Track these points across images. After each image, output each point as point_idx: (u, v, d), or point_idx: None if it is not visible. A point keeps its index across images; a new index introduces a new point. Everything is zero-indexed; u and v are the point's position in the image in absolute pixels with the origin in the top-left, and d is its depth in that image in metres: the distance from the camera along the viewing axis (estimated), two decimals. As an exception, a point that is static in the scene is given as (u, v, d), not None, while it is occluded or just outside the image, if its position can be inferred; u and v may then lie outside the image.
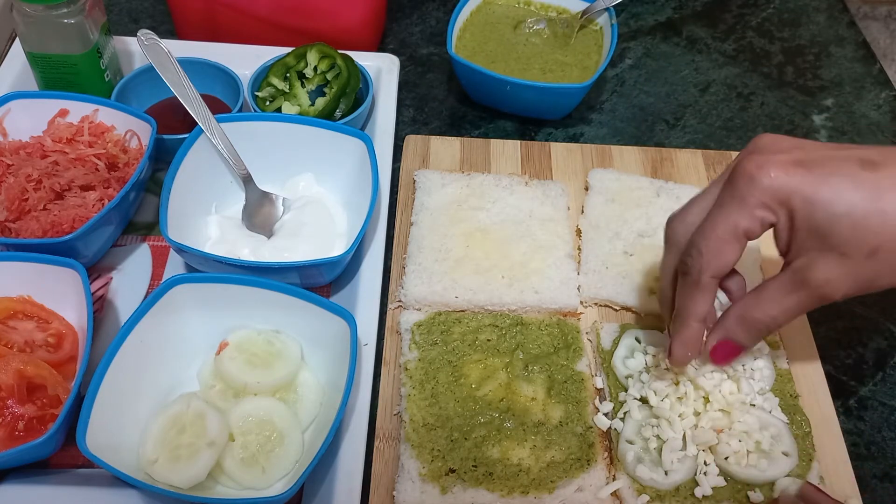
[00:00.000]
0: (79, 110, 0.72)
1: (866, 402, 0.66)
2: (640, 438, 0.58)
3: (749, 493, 0.56)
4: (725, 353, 0.56)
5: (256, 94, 0.77)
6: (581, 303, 0.69)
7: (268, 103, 0.77)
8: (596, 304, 0.69)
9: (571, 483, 0.57)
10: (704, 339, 0.56)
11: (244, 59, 0.79)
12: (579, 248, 0.72)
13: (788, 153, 0.50)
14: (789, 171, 0.49)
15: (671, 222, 0.57)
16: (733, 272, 0.56)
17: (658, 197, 0.75)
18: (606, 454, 0.59)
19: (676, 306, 0.56)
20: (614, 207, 0.74)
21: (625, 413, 0.60)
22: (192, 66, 0.76)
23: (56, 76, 0.73)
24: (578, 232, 0.73)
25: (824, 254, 0.49)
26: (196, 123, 0.68)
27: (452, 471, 0.57)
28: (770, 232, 0.52)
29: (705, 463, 0.57)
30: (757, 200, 0.49)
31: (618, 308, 0.69)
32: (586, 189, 0.76)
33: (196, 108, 0.69)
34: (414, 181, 0.76)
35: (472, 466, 0.57)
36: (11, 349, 0.59)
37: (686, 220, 0.55)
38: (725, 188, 0.52)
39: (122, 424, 0.55)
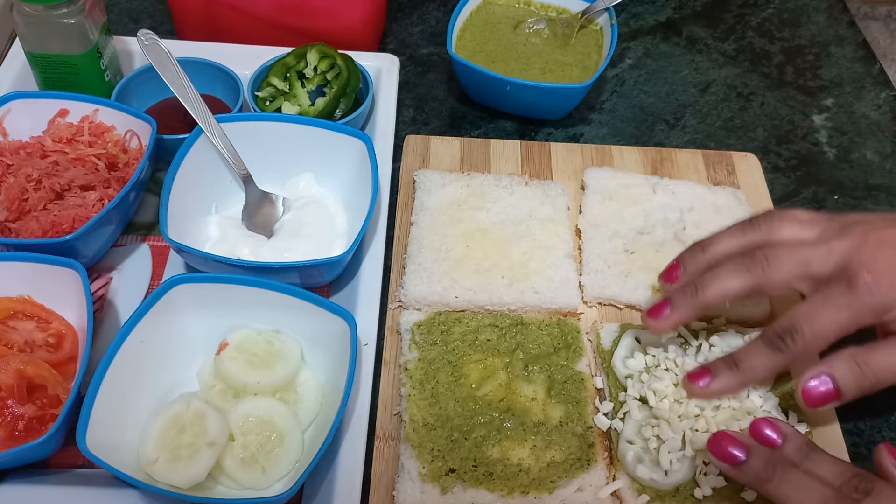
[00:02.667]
0: (79, 110, 0.72)
1: (866, 402, 0.65)
2: (640, 438, 0.58)
3: (742, 494, 0.56)
4: (822, 397, 0.56)
5: (256, 94, 0.77)
6: (585, 302, 0.69)
7: (268, 103, 0.77)
8: (600, 303, 0.69)
9: (571, 483, 0.57)
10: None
11: (244, 59, 0.79)
12: (580, 248, 0.72)
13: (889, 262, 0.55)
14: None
15: (760, 218, 0.61)
16: None
17: (654, 193, 0.75)
18: (606, 454, 0.59)
19: (742, 357, 0.58)
20: (612, 206, 0.74)
21: (625, 413, 0.60)
22: (192, 66, 0.76)
23: (56, 76, 0.73)
24: (578, 232, 0.73)
25: None
26: (196, 123, 0.68)
27: (452, 471, 0.57)
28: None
29: (704, 463, 0.57)
30: (870, 311, 0.55)
31: (622, 306, 0.69)
32: (582, 188, 0.76)
33: (196, 108, 0.69)
34: (414, 181, 0.76)
35: (472, 466, 0.57)
36: (11, 349, 0.59)
37: (778, 230, 0.60)
38: (841, 287, 0.55)
39: (122, 424, 0.55)
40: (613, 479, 0.57)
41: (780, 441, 0.53)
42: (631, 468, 0.57)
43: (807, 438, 0.54)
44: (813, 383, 0.56)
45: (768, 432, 0.54)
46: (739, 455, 0.53)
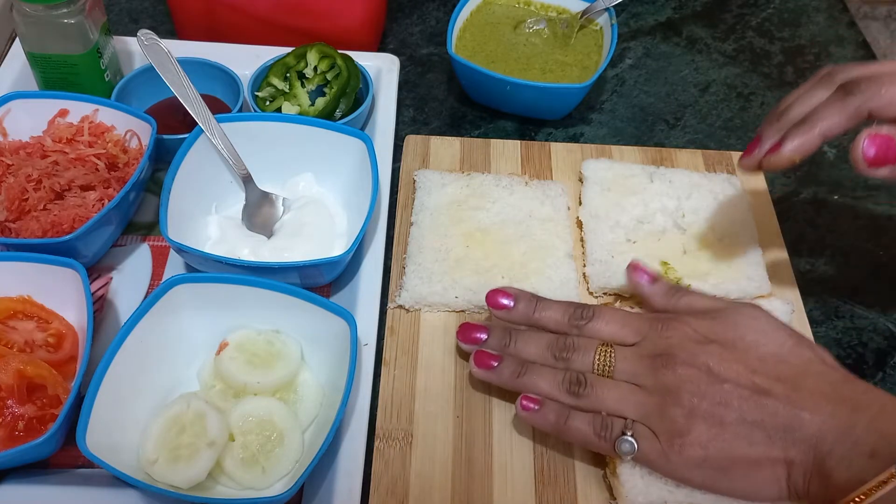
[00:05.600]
0: (79, 110, 0.72)
1: (866, 402, 0.66)
2: None
3: None
4: (882, 154, 0.54)
5: (256, 94, 0.77)
6: (590, 293, 0.69)
7: (268, 103, 0.77)
8: (605, 293, 0.69)
9: None
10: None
11: (244, 59, 0.79)
12: (582, 240, 0.72)
13: None
14: None
15: (839, 66, 0.59)
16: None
17: (652, 182, 0.76)
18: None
19: (810, 120, 0.56)
20: (611, 196, 0.74)
21: None
22: (192, 66, 0.76)
23: (56, 76, 0.73)
24: (579, 223, 0.73)
25: None
26: (196, 123, 0.68)
27: None
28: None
29: None
30: None
31: (627, 296, 0.69)
32: (581, 181, 0.76)
33: (196, 108, 0.69)
34: (414, 181, 0.76)
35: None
36: (11, 349, 0.59)
37: (869, 67, 0.57)
38: None
39: (122, 424, 0.55)
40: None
41: (511, 303, 0.60)
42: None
43: (534, 294, 0.60)
44: (873, 141, 0.54)
45: (502, 300, 0.60)
46: (481, 335, 0.60)
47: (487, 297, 0.60)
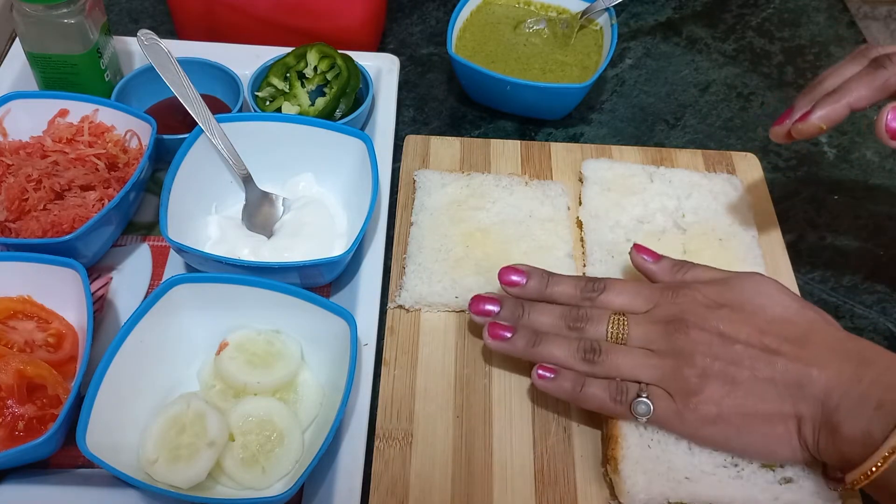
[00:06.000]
0: (79, 110, 0.72)
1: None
2: None
3: None
4: None
5: (256, 94, 0.77)
6: None
7: (268, 103, 0.77)
8: None
9: None
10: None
11: (244, 59, 0.79)
12: (582, 240, 0.72)
13: None
14: None
15: (875, 45, 0.60)
16: None
17: (652, 182, 0.76)
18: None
19: (839, 91, 0.58)
20: (611, 196, 0.74)
21: None
22: (192, 66, 0.76)
23: (56, 76, 0.73)
24: (580, 223, 0.73)
25: None
26: (196, 123, 0.68)
27: None
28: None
29: None
30: None
31: None
32: (581, 181, 0.76)
33: (196, 108, 0.69)
34: (414, 181, 0.76)
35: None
36: (11, 349, 0.59)
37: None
38: None
39: (122, 424, 0.55)
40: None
41: (524, 280, 0.60)
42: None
43: (546, 270, 0.61)
44: (895, 113, 0.56)
45: (513, 277, 0.61)
46: (493, 308, 0.60)
47: (500, 273, 0.61)
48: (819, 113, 0.59)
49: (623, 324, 0.58)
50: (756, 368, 0.53)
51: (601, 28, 0.87)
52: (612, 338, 0.58)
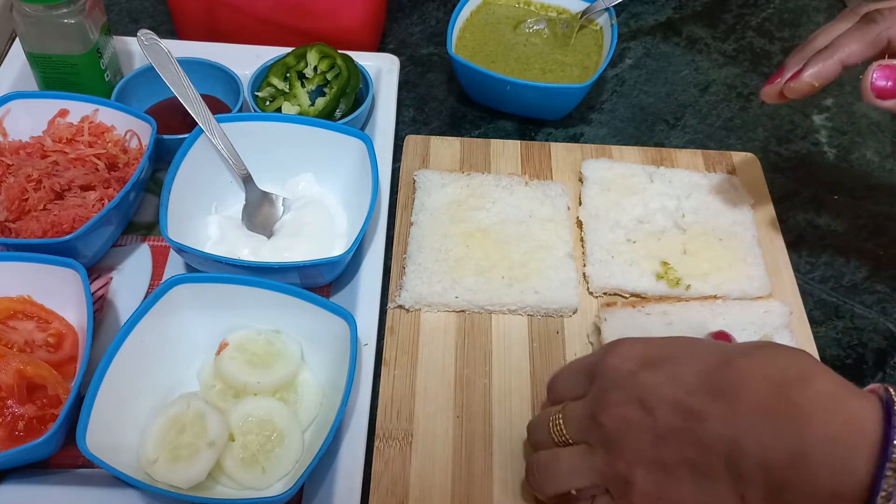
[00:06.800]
0: (79, 110, 0.72)
1: (866, 402, 0.66)
2: None
3: None
4: (891, 77, 0.54)
5: (256, 94, 0.77)
6: (590, 293, 0.69)
7: (268, 103, 0.77)
8: (605, 293, 0.69)
9: None
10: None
11: (244, 59, 0.79)
12: (582, 240, 0.72)
13: None
14: None
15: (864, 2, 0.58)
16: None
17: (652, 182, 0.76)
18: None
19: (830, 47, 0.57)
20: (611, 196, 0.74)
21: None
22: (192, 66, 0.76)
23: (56, 76, 0.73)
24: (580, 223, 0.73)
25: None
26: (196, 123, 0.68)
27: None
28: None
29: None
30: None
31: (627, 295, 0.69)
32: (581, 181, 0.76)
33: (196, 108, 0.69)
34: (414, 181, 0.76)
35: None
36: (11, 349, 0.59)
37: (885, 3, 0.57)
38: None
39: (122, 424, 0.55)
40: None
41: None
42: None
43: None
44: (883, 72, 0.54)
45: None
46: None
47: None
48: (811, 70, 0.57)
49: (558, 423, 0.50)
50: (683, 447, 0.44)
51: (601, 28, 0.87)
52: (557, 441, 0.51)
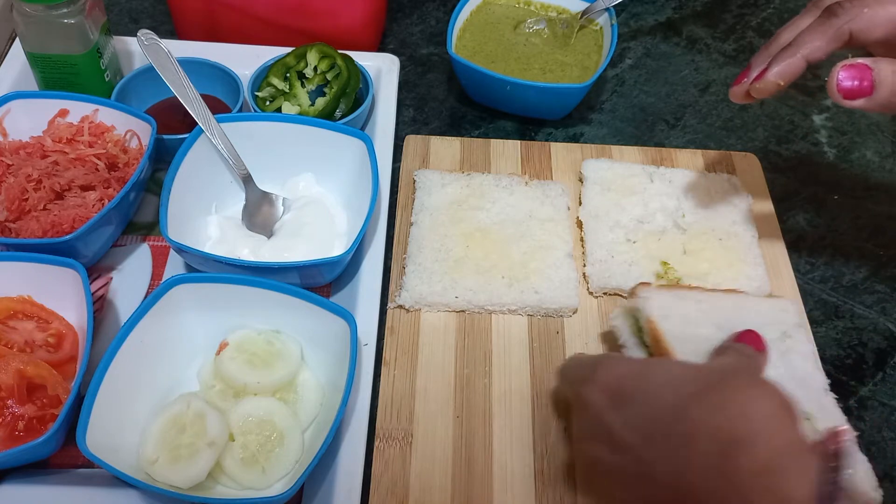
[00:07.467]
0: (79, 110, 0.72)
1: (866, 402, 0.66)
2: None
3: None
4: (856, 87, 0.54)
5: (256, 94, 0.77)
6: (590, 293, 0.69)
7: (268, 103, 0.77)
8: (605, 293, 0.69)
9: None
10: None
11: (244, 59, 0.79)
12: (582, 240, 0.72)
13: None
14: None
15: None
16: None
17: (652, 182, 0.76)
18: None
19: (794, 43, 0.57)
20: (611, 196, 0.74)
21: None
22: (192, 66, 0.76)
23: (56, 76, 0.73)
24: (579, 223, 0.73)
25: None
26: (196, 123, 0.68)
27: None
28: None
29: None
30: None
31: (627, 295, 0.69)
32: (581, 181, 0.76)
33: (196, 108, 0.69)
34: (414, 181, 0.76)
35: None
36: (11, 349, 0.59)
37: None
38: None
39: (122, 424, 0.55)
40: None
41: None
42: None
43: None
44: (848, 72, 0.53)
45: None
46: None
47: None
48: (775, 69, 0.57)
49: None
50: (641, 489, 0.45)
51: (601, 28, 0.87)
52: None
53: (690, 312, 0.61)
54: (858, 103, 0.54)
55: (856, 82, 0.53)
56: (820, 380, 0.60)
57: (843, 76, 0.54)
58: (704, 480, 0.41)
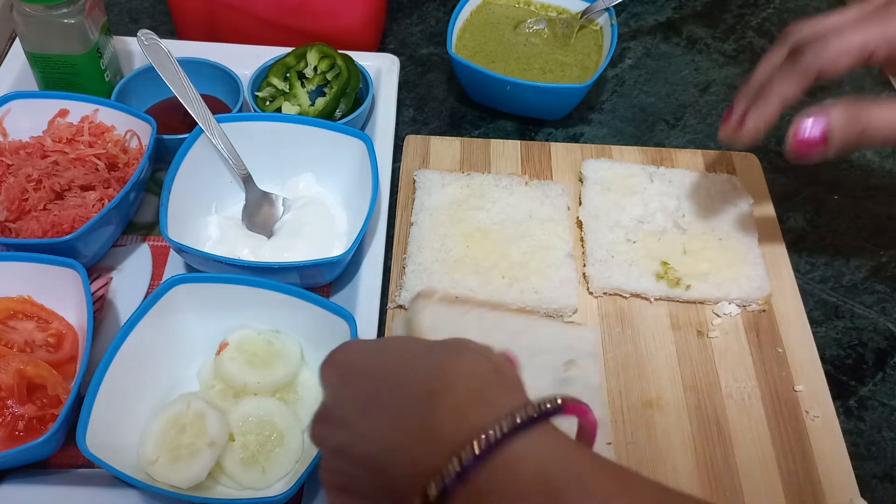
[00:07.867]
0: (79, 110, 0.72)
1: (866, 402, 0.66)
2: None
3: None
4: (811, 140, 0.57)
5: (256, 94, 0.77)
6: (590, 293, 0.69)
7: (268, 103, 0.77)
8: (605, 293, 0.69)
9: None
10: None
11: (244, 59, 0.79)
12: (582, 240, 0.72)
13: None
14: None
15: (797, 23, 0.61)
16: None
17: (652, 182, 0.76)
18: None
19: (767, 89, 0.60)
20: (611, 196, 0.74)
21: None
22: (192, 66, 0.76)
23: (56, 76, 0.73)
24: (580, 223, 0.73)
25: None
26: (196, 123, 0.68)
27: None
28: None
29: None
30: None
31: (627, 295, 0.69)
32: (581, 181, 0.76)
33: (196, 108, 0.69)
34: (414, 181, 0.76)
35: None
36: (11, 349, 0.59)
37: (817, 24, 0.59)
38: (878, 9, 0.56)
39: (122, 424, 0.55)
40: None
41: None
42: None
43: None
44: (805, 124, 0.57)
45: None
46: None
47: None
48: (753, 120, 0.61)
49: None
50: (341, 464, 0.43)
51: (601, 28, 0.87)
52: None
53: (465, 328, 0.57)
54: (815, 159, 0.58)
55: (812, 132, 0.57)
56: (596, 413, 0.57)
57: (793, 143, 0.58)
58: (407, 419, 0.39)
